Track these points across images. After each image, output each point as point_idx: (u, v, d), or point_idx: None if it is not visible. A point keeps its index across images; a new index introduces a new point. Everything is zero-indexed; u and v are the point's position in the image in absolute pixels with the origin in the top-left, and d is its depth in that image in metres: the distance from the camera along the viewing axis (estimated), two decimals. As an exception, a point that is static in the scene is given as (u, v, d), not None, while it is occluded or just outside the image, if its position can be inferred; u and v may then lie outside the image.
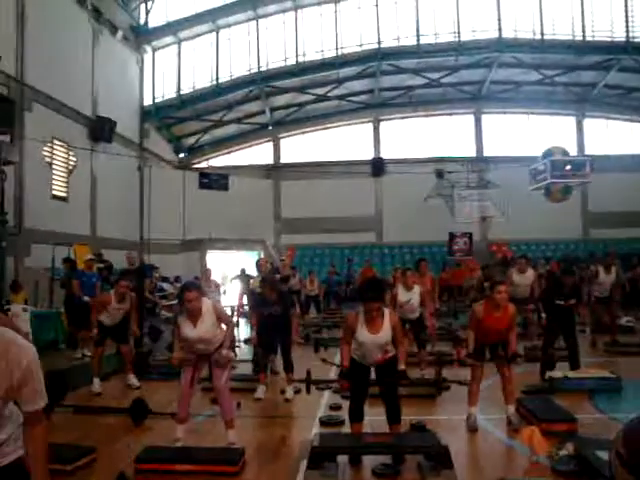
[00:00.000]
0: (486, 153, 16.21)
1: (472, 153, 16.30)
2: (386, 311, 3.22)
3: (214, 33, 15.07)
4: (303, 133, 16.94)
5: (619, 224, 15.02)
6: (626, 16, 14.69)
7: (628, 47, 14.46)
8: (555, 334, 5.21)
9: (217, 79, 15.08)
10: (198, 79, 15.28)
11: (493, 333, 3.75)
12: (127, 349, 4.99)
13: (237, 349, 6.09)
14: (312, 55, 15.09)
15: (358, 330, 3.18)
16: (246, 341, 6.90)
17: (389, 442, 3.20)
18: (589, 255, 13.07)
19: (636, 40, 14.55)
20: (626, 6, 14.65)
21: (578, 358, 5.01)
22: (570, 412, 3.74)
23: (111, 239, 11.69)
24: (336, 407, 4.17)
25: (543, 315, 5.85)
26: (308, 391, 4.38)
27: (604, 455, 2.30)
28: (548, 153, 12.89)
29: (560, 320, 5.08)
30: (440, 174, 15.41)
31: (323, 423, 3.87)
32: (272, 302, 4.52)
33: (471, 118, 16.58)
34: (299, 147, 16.79)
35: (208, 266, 9.87)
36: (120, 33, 13.53)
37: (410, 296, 5.14)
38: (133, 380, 4.88)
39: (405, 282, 5.20)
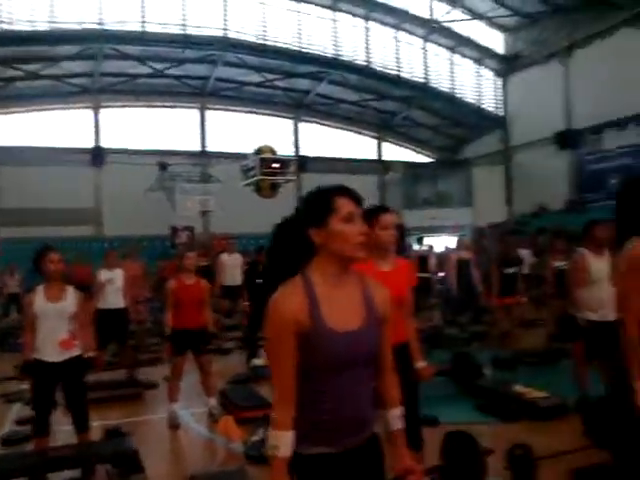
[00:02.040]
0: (209, 148, 21.11)
1: (196, 147, 21.03)
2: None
3: None
4: (10, 113, 19.12)
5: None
6: (334, 35, 21.21)
7: (335, 63, 20.92)
8: (259, 320, 8.63)
9: None
10: None
11: (188, 307, 5.22)
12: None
13: None
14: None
15: (35, 303, 3.84)
16: None
17: (74, 454, 3.63)
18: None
19: (341, 58, 21.09)
20: (334, 27, 21.18)
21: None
22: (266, 398, 4.83)
23: None
24: (24, 421, 4.79)
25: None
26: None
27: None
28: (258, 151, 18.00)
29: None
30: (163, 167, 19.51)
31: (5, 442, 4.28)
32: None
33: (196, 113, 21.28)
34: (16, 129, 18.82)
35: None
36: None
37: (112, 275, 6.93)
38: None
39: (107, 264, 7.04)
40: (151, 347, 8.86)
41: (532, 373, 6.89)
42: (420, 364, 3.33)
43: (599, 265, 4.63)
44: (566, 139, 20.28)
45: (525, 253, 11.57)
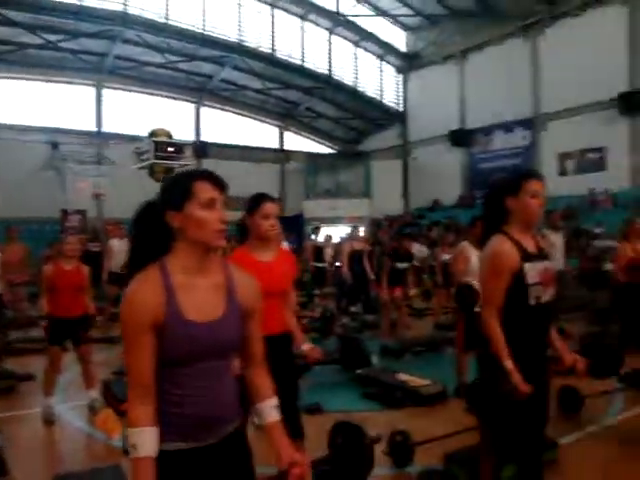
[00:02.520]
0: (105, 129, 20.12)
1: (91, 127, 19.96)
2: None
3: None
4: None
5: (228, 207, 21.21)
6: (239, 21, 20.83)
7: (239, 49, 20.55)
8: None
9: None
10: None
11: (66, 294, 4.99)
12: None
13: None
14: None
15: None
16: None
17: None
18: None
19: (246, 44, 20.77)
20: (239, 12, 20.80)
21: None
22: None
23: None
24: None
25: None
26: None
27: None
28: (152, 134, 17.31)
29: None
30: (55, 145, 18.38)
31: None
32: None
33: (92, 91, 20.18)
34: None
35: None
36: None
37: None
38: None
39: None
40: (30, 335, 8.31)
41: (418, 361, 7.14)
42: (305, 346, 3.31)
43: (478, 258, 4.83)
44: (460, 138, 21.22)
45: (417, 247, 11.98)
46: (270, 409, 1.86)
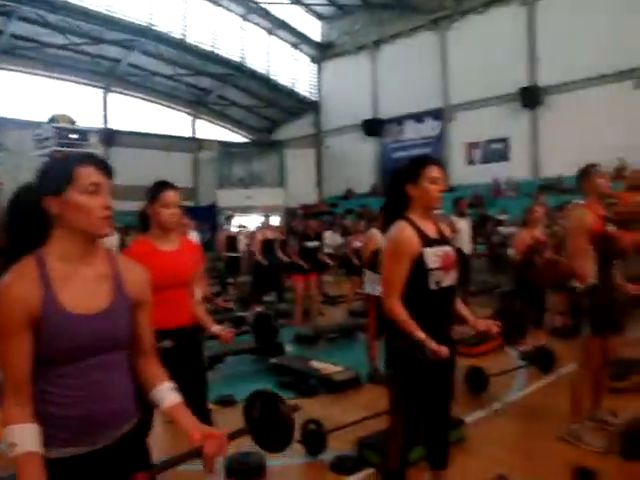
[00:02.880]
0: (0, 114, 18.82)
1: (-16, 112, 18.60)
2: None
3: None
4: None
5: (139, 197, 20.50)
6: (149, 4, 20.03)
7: (148, 32, 19.77)
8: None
9: None
10: None
11: None
12: None
13: None
14: None
15: None
16: None
17: None
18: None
19: (155, 28, 20.03)
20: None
21: None
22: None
23: None
24: None
25: None
26: None
27: None
28: (53, 119, 16.34)
29: None
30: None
31: None
32: None
33: (-15, 72, 18.80)
34: None
35: None
36: None
37: None
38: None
39: None
40: None
41: (332, 348, 7.16)
42: (215, 328, 3.23)
43: None
44: (372, 127, 21.54)
45: (330, 234, 12.06)
46: (168, 392, 1.74)
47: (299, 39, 23.75)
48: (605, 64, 15.27)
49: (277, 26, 22.96)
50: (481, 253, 11.76)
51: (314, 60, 24.34)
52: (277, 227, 10.49)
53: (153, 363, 1.80)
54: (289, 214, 20.05)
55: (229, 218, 12.97)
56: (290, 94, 24.19)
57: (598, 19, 15.18)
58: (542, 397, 4.96)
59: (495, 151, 18.28)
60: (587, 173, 3.93)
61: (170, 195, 2.94)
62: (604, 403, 4.18)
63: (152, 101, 22.89)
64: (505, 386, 5.18)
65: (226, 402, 4.73)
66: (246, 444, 3.82)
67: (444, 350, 2.45)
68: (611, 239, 3.84)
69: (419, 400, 2.65)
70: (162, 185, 2.98)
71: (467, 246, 8.49)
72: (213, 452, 1.63)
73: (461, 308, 2.86)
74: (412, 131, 20.58)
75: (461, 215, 8.55)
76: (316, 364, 5.61)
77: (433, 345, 2.46)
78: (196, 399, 1.94)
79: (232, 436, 1.86)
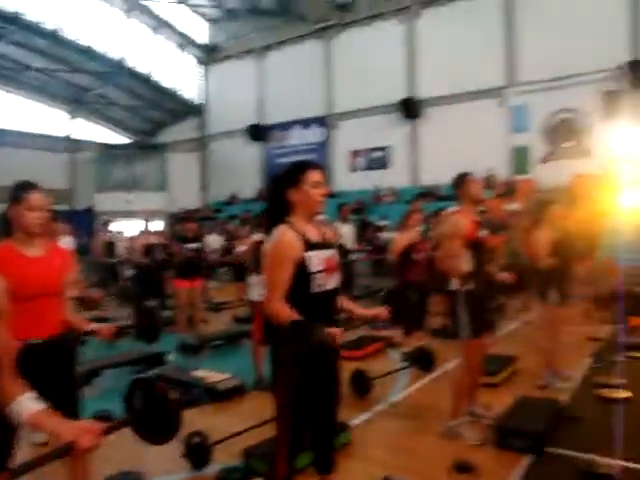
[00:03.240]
0: None
1: None
2: None
3: None
4: None
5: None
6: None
7: (17, 22, 18.29)
8: None
9: None
10: None
11: None
12: None
13: None
14: None
15: None
16: None
17: None
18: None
19: (24, 17, 18.49)
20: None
21: None
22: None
23: None
24: None
25: None
26: None
27: None
28: None
29: None
30: None
31: None
32: None
33: None
34: None
35: None
36: None
37: None
38: None
39: None
40: None
41: (217, 356, 6.99)
42: (94, 325, 3.10)
43: None
44: (258, 132, 21.48)
45: (212, 237, 11.82)
46: (29, 401, 1.59)
47: (185, 40, 23.14)
48: (476, 82, 16.44)
49: (162, 25, 22.20)
50: (363, 258, 12.05)
51: (201, 62, 23.83)
52: (160, 232, 10.10)
53: (10, 377, 1.63)
54: (173, 219, 19.45)
55: (106, 223, 12.31)
56: (175, 96, 23.49)
57: (472, 41, 16.37)
58: (424, 396, 5.14)
59: (377, 159, 18.88)
60: (462, 181, 4.14)
61: (35, 197, 2.70)
62: (479, 398, 4.40)
63: (24, 96, 21.28)
64: (388, 387, 5.31)
65: (102, 418, 4.42)
66: (127, 464, 3.64)
67: (337, 331, 2.45)
68: (483, 243, 4.06)
69: (306, 406, 2.62)
70: (26, 186, 2.73)
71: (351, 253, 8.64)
72: (86, 445, 1.50)
73: (345, 304, 2.87)
74: (297, 137, 20.75)
75: (344, 221, 8.71)
76: (200, 373, 5.42)
77: (323, 330, 2.43)
78: (67, 416, 1.75)
79: (111, 429, 1.70)
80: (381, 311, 2.95)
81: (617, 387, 4.85)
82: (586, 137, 14.83)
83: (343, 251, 7.36)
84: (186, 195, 22.01)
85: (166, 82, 22.96)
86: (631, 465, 3.48)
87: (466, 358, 4.05)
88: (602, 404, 4.53)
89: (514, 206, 11.72)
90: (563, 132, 15.25)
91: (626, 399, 4.66)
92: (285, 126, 21.02)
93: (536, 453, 3.71)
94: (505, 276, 4.63)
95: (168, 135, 24.64)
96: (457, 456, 3.66)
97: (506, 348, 6.01)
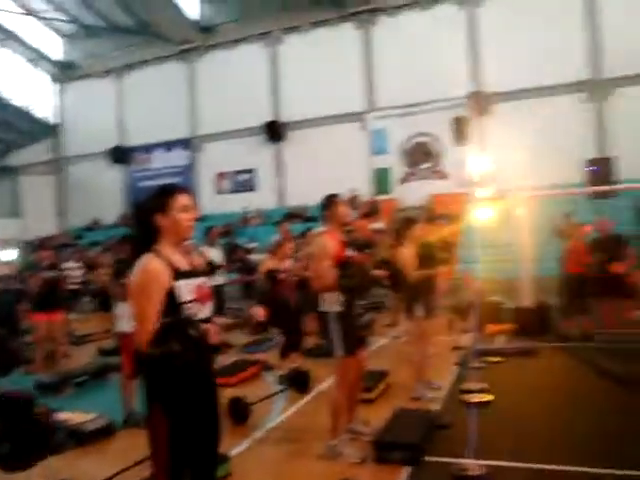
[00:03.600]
0: None
1: None
2: None
3: None
4: None
5: None
6: None
7: None
8: None
9: None
10: None
11: None
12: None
13: None
14: None
15: None
16: None
17: None
18: None
19: None
20: None
21: None
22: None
23: None
24: None
25: None
26: None
27: None
28: None
29: None
30: None
31: None
32: None
33: None
34: None
35: None
36: None
37: None
38: None
39: None
40: None
41: (82, 394, 6.47)
42: None
43: None
44: (119, 155, 20.56)
45: (71, 264, 11.07)
46: None
47: (37, 55, 21.57)
48: (338, 107, 17.08)
49: (10, 38, 20.50)
50: (234, 280, 11.88)
51: (55, 80, 22.35)
52: (10, 262, 9.26)
53: None
54: (28, 248, 17.96)
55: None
56: (26, 115, 21.74)
57: (333, 67, 17.09)
58: (302, 418, 5.11)
59: (243, 181, 18.83)
60: (331, 202, 4.22)
61: None
62: (358, 414, 4.46)
63: None
64: (266, 412, 5.22)
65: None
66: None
67: (212, 327, 2.42)
68: (351, 262, 4.16)
69: (185, 440, 2.47)
70: None
71: (220, 275, 8.48)
72: None
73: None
74: (161, 160, 20.15)
75: (212, 244, 8.54)
76: (62, 415, 4.96)
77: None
78: None
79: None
80: (257, 310, 2.93)
81: (480, 392, 5.18)
82: (441, 159, 15.96)
83: (212, 267, 7.22)
84: (42, 221, 20.48)
85: (17, 100, 21.22)
86: (499, 463, 3.72)
87: (341, 376, 4.10)
88: (469, 409, 4.78)
89: (378, 225, 12.24)
90: (420, 154, 16.28)
91: (488, 402, 4.99)
92: (148, 148, 20.33)
93: (414, 464, 3.83)
94: (380, 272, 4.85)
95: (21, 157, 22.69)
96: (339, 476, 3.66)
97: (378, 363, 6.18)
